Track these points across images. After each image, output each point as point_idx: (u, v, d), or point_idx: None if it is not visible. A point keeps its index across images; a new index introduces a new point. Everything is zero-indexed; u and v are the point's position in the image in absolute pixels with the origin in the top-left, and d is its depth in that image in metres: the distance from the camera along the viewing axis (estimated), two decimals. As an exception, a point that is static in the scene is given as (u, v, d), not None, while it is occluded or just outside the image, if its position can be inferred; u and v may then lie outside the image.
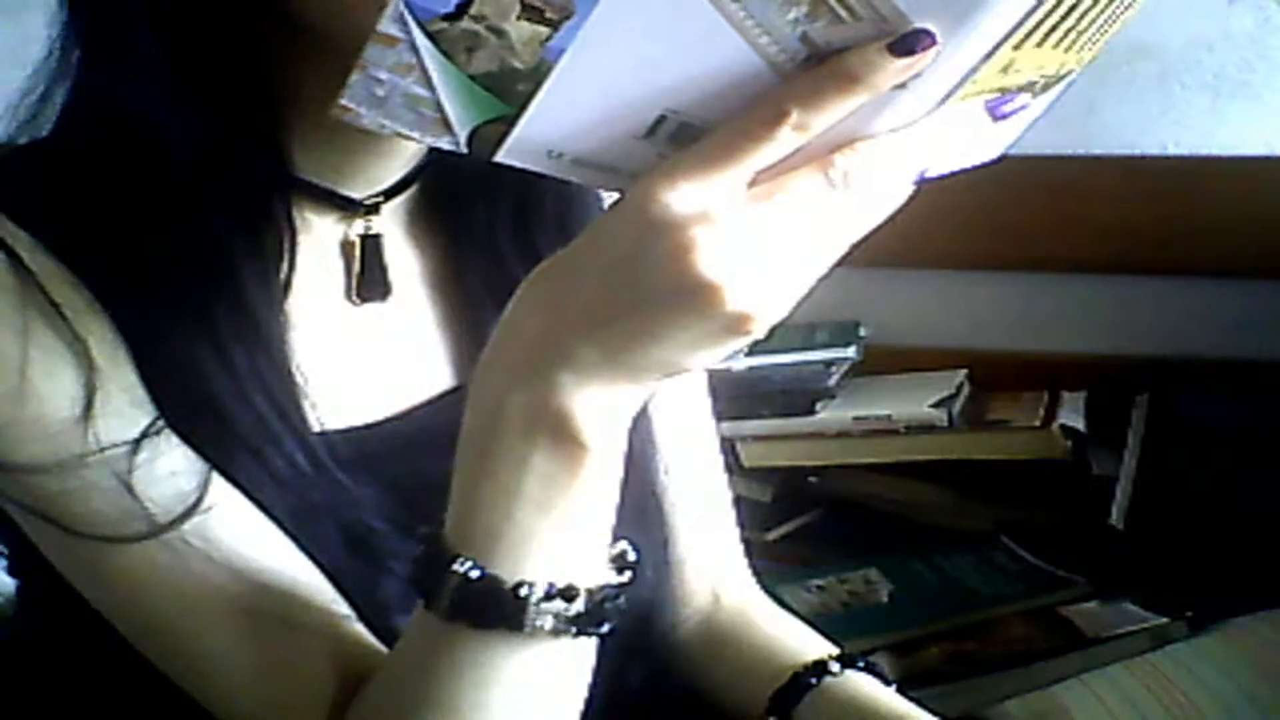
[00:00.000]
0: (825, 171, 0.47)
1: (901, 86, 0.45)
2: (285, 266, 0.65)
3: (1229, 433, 1.26)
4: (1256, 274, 1.36)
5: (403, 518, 0.64)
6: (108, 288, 0.60)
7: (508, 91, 0.45)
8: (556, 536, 0.52)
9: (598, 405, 0.50)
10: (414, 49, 0.44)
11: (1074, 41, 0.48)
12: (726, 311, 0.46)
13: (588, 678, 0.56)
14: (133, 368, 0.60)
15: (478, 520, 0.52)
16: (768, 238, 0.46)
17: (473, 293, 0.74)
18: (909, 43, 0.43)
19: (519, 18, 0.43)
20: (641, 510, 0.71)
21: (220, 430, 0.61)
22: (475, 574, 0.52)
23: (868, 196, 0.48)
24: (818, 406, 1.34)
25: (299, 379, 0.64)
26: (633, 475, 0.54)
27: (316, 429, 0.64)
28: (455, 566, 0.52)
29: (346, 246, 0.70)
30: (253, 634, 0.60)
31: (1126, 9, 0.50)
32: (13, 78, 0.65)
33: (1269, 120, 1.34)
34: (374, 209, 0.70)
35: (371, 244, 0.70)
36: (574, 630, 0.53)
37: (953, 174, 0.52)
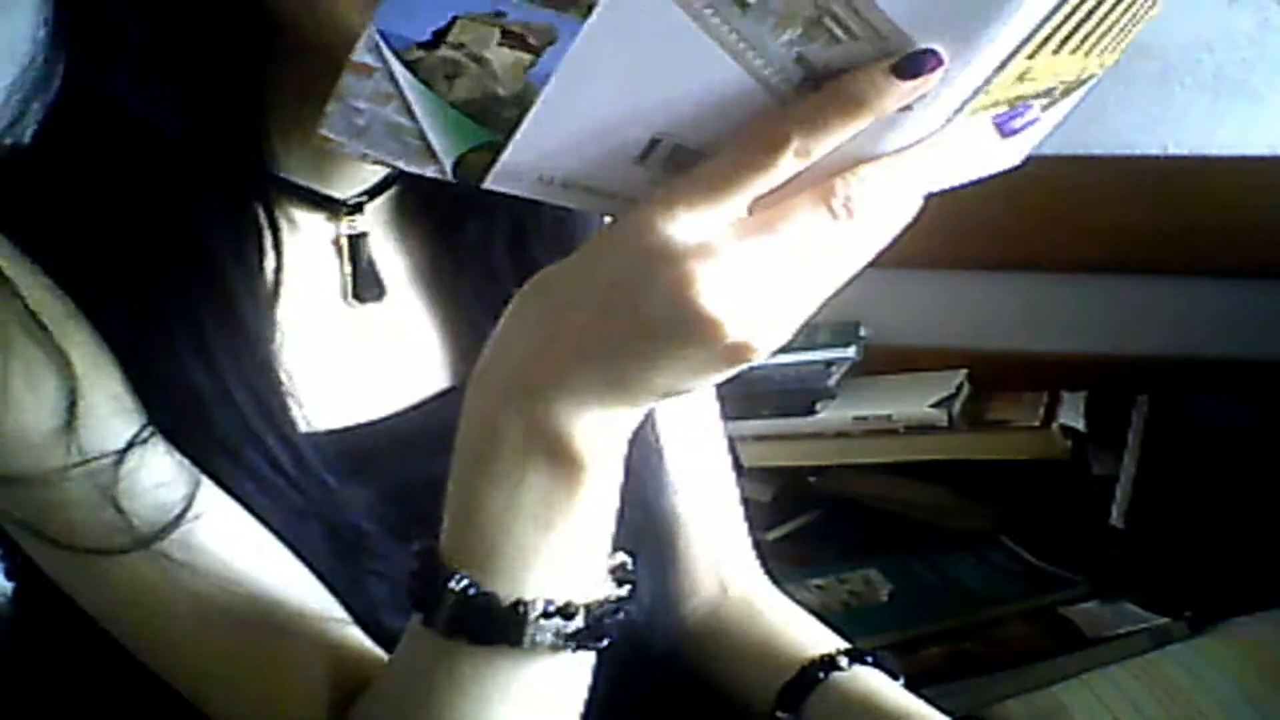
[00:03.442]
0: (827, 201, 0.45)
1: (907, 108, 0.44)
2: (271, 266, 0.64)
3: (1229, 433, 1.25)
4: (1256, 274, 1.36)
5: (393, 519, 0.64)
6: (90, 294, 0.60)
7: (493, 118, 0.44)
8: (555, 554, 0.52)
9: (594, 426, 0.49)
10: (391, 78, 0.43)
11: (1093, 46, 0.47)
12: (728, 344, 0.46)
13: (587, 687, 0.56)
14: (118, 375, 0.60)
15: (475, 537, 0.52)
16: (770, 270, 0.46)
17: (463, 292, 0.73)
18: (915, 64, 0.42)
19: (499, 45, 0.42)
20: (641, 518, 0.71)
21: (203, 432, 0.60)
22: (473, 591, 0.52)
23: (871, 222, 0.47)
24: (818, 406, 1.34)
25: (284, 379, 0.63)
26: (632, 483, 0.54)
27: (304, 429, 0.64)
28: (452, 584, 0.52)
29: (333, 246, 0.69)
30: (244, 643, 0.60)
31: (1147, 10, 0.49)
32: (3, 74, 0.65)
33: (1269, 120, 1.34)
34: (358, 208, 0.70)
35: (359, 243, 0.70)
36: (573, 645, 0.53)
37: (973, 182, 0.51)
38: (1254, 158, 1.35)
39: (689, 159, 0.46)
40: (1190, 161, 1.37)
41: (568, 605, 0.52)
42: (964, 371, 1.39)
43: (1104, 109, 1.37)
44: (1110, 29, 0.47)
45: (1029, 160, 0.53)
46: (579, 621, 0.52)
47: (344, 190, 0.69)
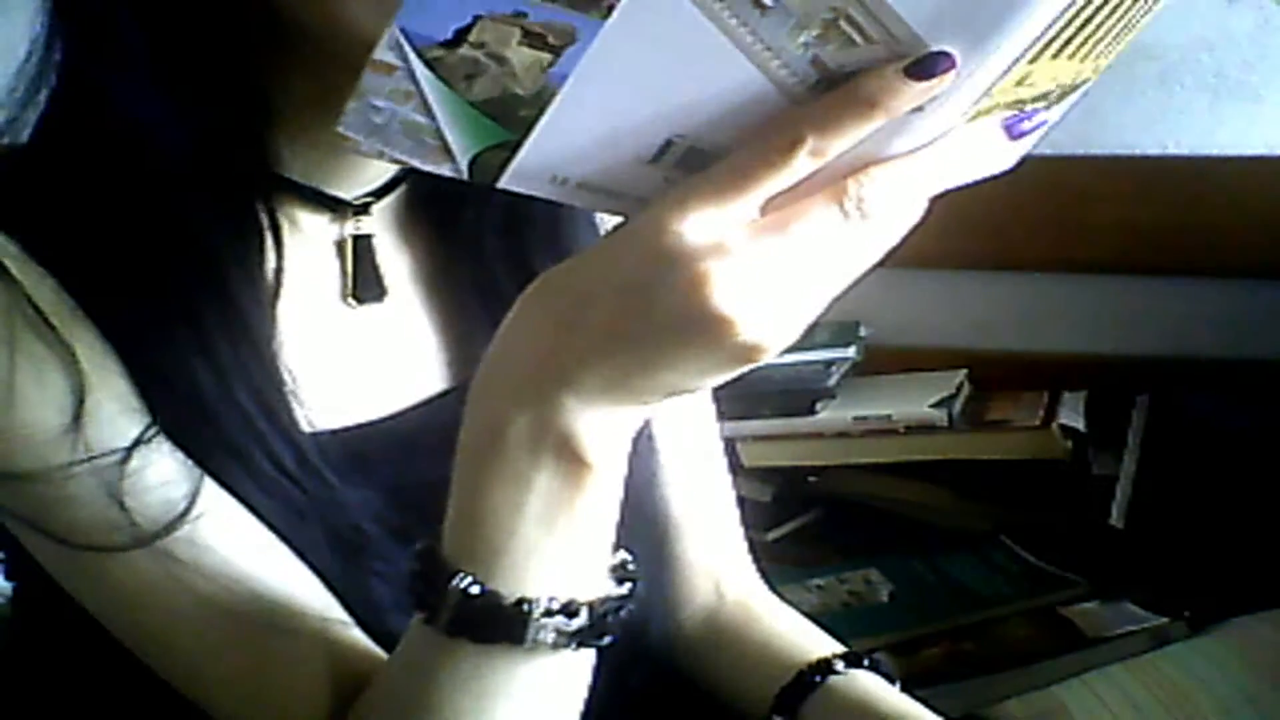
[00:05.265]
0: (840, 202, 0.46)
1: (918, 110, 0.44)
2: (273, 266, 0.64)
3: (1229, 433, 1.26)
4: (1256, 274, 1.36)
5: (394, 519, 0.64)
6: (94, 294, 0.60)
7: (510, 118, 0.45)
8: (558, 552, 0.52)
9: (602, 425, 0.50)
10: (412, 76, 0.43)
11: (1090, 50, 0.48)
12: (738, 343, 0.46)
13: (587, 684, 0.56)
14: (123, 374, 0.60)
15: (478, 536, 0.52)
16: (782, 269, 0.46)
17: (462, 292, 0.74)
18: (928, 66, 0.43)
19: (520, 44, 0.42)
20: (636, 515, 0.71)
21: (207, 432, 0.60)
22: (476, 590, 0.51)
23: (882, 222, 0.47)
24: (818, 406, 1.34)
25: (287, 378, 0.63)
26: (629, 482, 0.54)
27: (306, 429, 0.64)
28: (455, 582, 0.52)
29: (338, 247, 0.70)
30: (244, 643, 0.60)
31: (1143, 16, 0.49)
32: (4, 73, 0.65)
33: (1269, 120, 1.34)
34: (364, 209, 0.70)
35: (363, 244, 0.70)
36: (576, 643, 0.53)
37: (967, 185, 0.52)
38: (1254, 158, 1.35)
39: (702, 160, 0.47)
40: (1190, 161, 1.37)
41: (570, 603, 0.52)
42: (964, 371, 1.39)
43: (1104, 109, 1.37)
44: (1108, 34, 0.48)
45: (1023, 161, 0.54)
46: (582, 619, 0.52)
47: (350, 191, 0.69)
